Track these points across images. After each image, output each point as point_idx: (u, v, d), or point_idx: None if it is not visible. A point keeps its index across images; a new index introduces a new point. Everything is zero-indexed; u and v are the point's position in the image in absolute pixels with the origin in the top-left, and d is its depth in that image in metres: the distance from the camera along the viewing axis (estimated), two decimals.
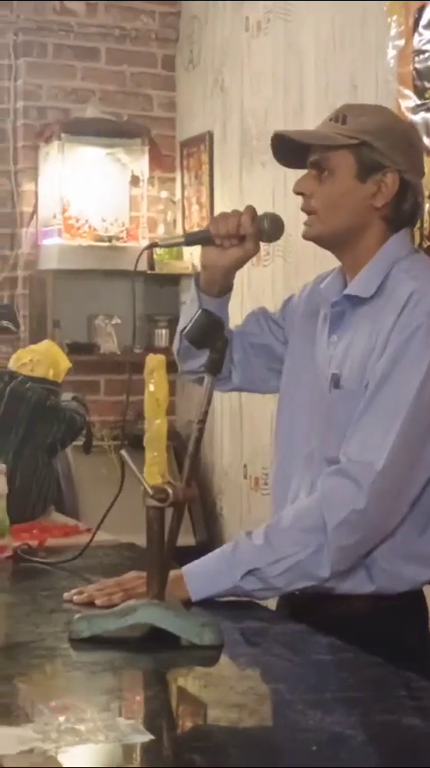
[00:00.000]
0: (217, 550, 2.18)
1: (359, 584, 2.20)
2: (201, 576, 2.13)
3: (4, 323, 5.59)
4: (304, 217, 2.30)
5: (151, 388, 1.90)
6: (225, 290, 2.43)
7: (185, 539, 5.46)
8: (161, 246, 2.48)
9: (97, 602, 2.09)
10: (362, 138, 2.23)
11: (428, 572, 2.24)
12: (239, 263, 2.38)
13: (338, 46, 4.42)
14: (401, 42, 3.92)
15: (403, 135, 2.31)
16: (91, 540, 2.44)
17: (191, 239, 2.50)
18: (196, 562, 2.16)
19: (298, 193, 2.30)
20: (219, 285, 2.40)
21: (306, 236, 2.31)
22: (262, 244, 2.38)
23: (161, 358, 1.90)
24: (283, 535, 2.14)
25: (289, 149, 2.32)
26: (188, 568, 2.14)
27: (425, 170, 3.37)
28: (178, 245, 2.52)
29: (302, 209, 2.30)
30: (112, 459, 5.08)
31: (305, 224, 2.30)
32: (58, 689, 1.75)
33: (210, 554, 2.17)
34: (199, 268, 2.45)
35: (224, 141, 5.41)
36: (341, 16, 4.38)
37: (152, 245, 2.54)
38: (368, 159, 2.24)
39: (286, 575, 2.13)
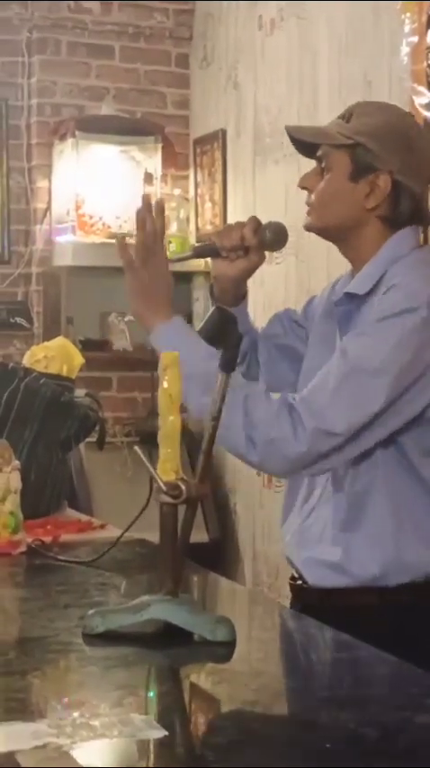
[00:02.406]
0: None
1: (369, 576, 2.21)
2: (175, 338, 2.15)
3: (18, 320, 5.61)
4: None
5: (165, 384, 1.90)
6: (239, 298, 2.46)
7: (198, 535, 5.47)
8: (171, 261, 2.51)
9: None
10: (356, 140, 2.24)
11: None
12: (246, 274, 2.43)
13: (351, 43, 4.42)
14: (415, 39, 3.91)
15: (402, 136, 2.30)
16: (116, 542, 2.45)
17: (198, 252, 2.54)
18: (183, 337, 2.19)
19: (302, 188, 2.34)
20: (231, 294, 2.45)
21: (305, 227, 2.35)
22: None
23: (175, 354, 1.91)
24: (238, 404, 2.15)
25: (305, 141, 2.35)
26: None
27: None
28: (186, 258, 2.56)
29: (306, 203, 2.33)
30: (125, 455, 5.09)
31: (307, 214, 2.33)
32: (72, 684, 1.76)
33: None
34: (211, 266, 2.48)
35: (237, 139, 5.41)
36: (354, 14, 4.38)
37: None
38: (362, 160, 2.26)
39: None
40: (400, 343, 2.13)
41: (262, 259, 2.41)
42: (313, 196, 2.32)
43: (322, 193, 2.30)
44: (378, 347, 2.14)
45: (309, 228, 2.34)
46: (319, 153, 2.31)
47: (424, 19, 3.86)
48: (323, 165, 2.30)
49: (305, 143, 2.35)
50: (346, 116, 2.31)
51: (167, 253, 2.38)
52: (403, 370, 2.14)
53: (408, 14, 3.95)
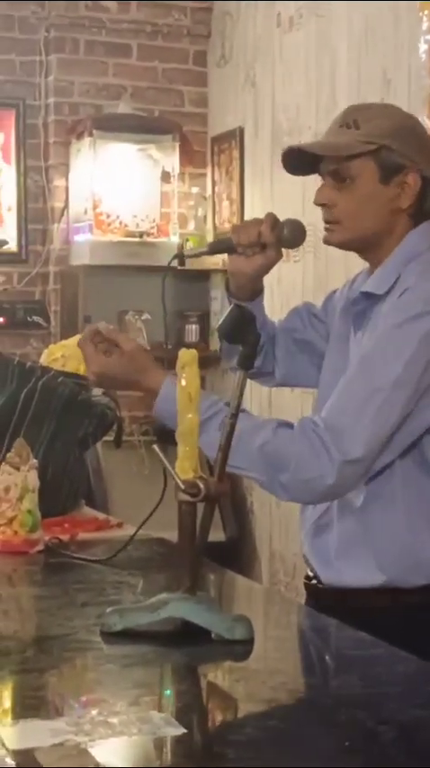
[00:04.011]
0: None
1: (383, 576, 2.21)
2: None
3: (35, 318, 5.62)
4: None
5: (183, 382, 1.90)
6: (255, 294, 2.46)
7: (215, 534, 5.46)
8: (186, 257, 2.51)
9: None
10: (380, 143, 2.23)
11: None
12: (263, 271, 2.42)
13: (370, 41, 4.41)
14: None
15: (418, 134, 2.31)
16: (131, 538, 2.45)
17: (214, 248, 2.53)
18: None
19: (320, 205, 2.30)
20: (248, 290, 2.44)
21: (327, 242, 2.32)
22: None
23: (194, 352, 1.91)
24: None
25: (298, 159, 2.32)
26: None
27: None
28: (202, 254, 2.56)
29: (325, 220, 2.30)
30: (142, 454, 5.09)
31: (326, 230, 2.30)
32: (90, 682, 1.76)
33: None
34: (227, 263, 2.48)
35: (255, 137, 5.41)
36: (373, 11, 4.37)
37: (178, 256, 2.56)
38: (388, 162, 2.24)
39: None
40: (417, 351, 2.13)
41: (279, 256, 2.40)
42: (337, 210, 2.28)
43: (354, 203, 2.26)
44: (395, 360, 2.13)
45: (332, 243, 2.31)
46: (332, 167, 2.27)
47: None
48: (343, 177, 2.26)
49: (296, 164, 2.32)
50: (352, 123, 2.27)
51: (184, 250, 2.37)
52: (420, 379, 2.13)
53: (427, 12, 3.94)
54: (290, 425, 2.18)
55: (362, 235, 2.29)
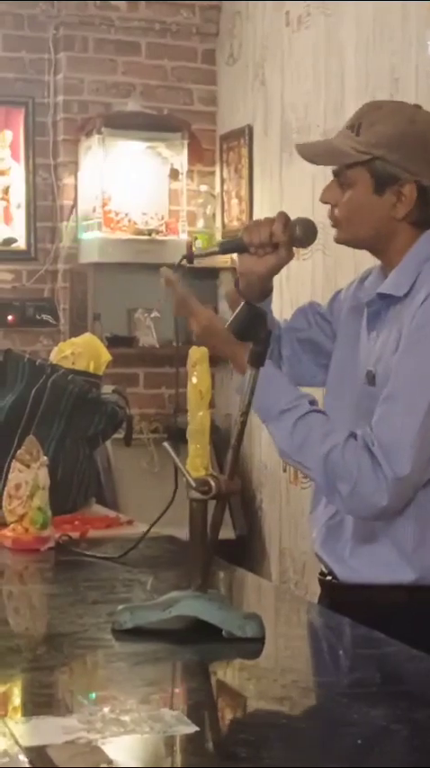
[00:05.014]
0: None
1: (399, 573, 2.20)
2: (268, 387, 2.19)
3: (45, 316, 5.62)
4: None
5: (194, 380, 1.90)
6: (264, 294, 2.45)
7: (225, 532, 5.46)
8: (196, 257, 2.50)
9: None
10: (373, 154, 2.22)
11: None
12: (275, 270, 2.40)
13: (378, 39, 4.40)
14: None
15: (420, 140, 2.26)
16: (144, 536, 2.45)
17: (225, 248, 2.52)
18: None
19: (324, 202, 2.31)
20: (257, 290, 2.42)
21: (336, 240, 2.34)
22: None
23: (204, 350, 1.91)
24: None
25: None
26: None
27: None
28: (213, 254, 2.54)
29: (328, 218, 2.31)
30: (152, 451, 5.10)
31: (334, 227, 2.32)
32: (101, 680, 1.76)
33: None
34: (237, 262, 2.47)
35: (264, 135, 5.40)
36: (381, 9, 4.37)
37: (188, 256, 2.55)
38: (383, 173, 2.22)
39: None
40: None
41: (291, 255, 2.39)
42: (337, 210, 2.29)
43: (347, 209, 2.27)
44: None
45: (339, 241, 2.33)
46: (335, 168, 2.29)
47: None
48: (341, 179, 2.27)
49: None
50: (355, 127, 2.26)
51: (194, 250, 2.37)
52: None
53: None
54: (356, 437, 2.18)
55: (359, 239, 2.30)
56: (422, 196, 2.23)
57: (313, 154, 2.34)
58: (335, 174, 2.29)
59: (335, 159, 2.27)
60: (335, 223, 2.30)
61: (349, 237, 2.31)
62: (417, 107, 2.34)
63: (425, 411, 2.13)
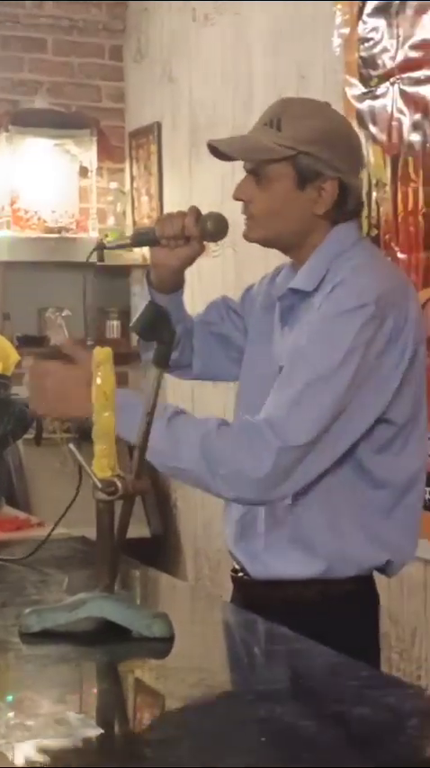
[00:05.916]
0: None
1: (308, 566, 2.21)
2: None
3: None
4: None
5: (98, 381, 1.89)
6: (176, 286, 2.45)
7: (140, 530, 5.46)
8: (108, 248, 2.50)
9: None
10: (299, 149, 2.22)
11: (384, 556, 2.24)
12: (187, 263, 2.41)
13: (286, 36, 4.42)
14: (346, 30, 3.92)
15: (343, 138, 2.28)
16: (47, 537, 2.43)
17: (137, 240, 2.51)
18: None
19: (237, 199, 2.30)
20: (169, 283, 2.44)
21: (246, 238, 2.32)
22: None
23: (108, 351, 1.90)
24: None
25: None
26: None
27: (371, 159, 3.37)
28: (125, 246, 2.54)
29: (243, 213, 2.30)
30: (64, 451, 5.06)
31: (245, 225, 2.30)
32: (9, 683, 1.74)
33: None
34: (149, 259, 2.47)
35: (173, 132, 5.40)
36: (289, 6, 4.38)
37: (99, 248, 2.53)
38: (307, 168, 2.23)
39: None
40: (354, 341, 2.12)
41: (202, 248, 2.40)
42: (253, 207, 2.28)
43: (267, 205, 2.26)
44: (331, 351, 2.12)
45: (250, 240, 2.31)
46: (250, 165, 2.28)
47: (355, 10, 3.87)
48: (259, 175, 2.26)
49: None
50: (275, 122, 2.25)
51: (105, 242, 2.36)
52: (357, 370, 2.13)
53: (340, 6, 3.95)
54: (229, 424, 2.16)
55: (278, 234, 2.29)
56: (342, 193, 2.24)
57: (230, 150, 2.32)
58: (251, 170, 2.28)
59: (257, 154, 2.26)
60: (251, 220, 2.29)
61: (266, 234, 2.29)
62: (328, 104, 2.35)
63: (321, 382, 2.11)
